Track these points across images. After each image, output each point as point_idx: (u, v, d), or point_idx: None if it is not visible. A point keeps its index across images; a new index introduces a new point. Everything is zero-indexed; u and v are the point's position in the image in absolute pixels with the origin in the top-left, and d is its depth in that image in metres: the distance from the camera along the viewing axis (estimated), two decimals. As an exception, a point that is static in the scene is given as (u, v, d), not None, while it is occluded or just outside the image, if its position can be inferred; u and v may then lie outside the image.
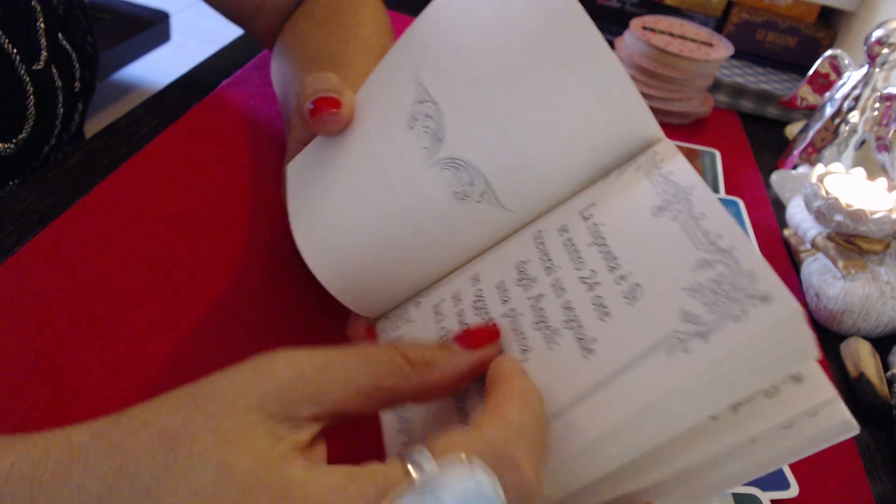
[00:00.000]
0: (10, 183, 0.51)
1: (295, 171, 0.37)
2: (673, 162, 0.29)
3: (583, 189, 0.32)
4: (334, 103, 0.35)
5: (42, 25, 0.49)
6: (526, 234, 0.32)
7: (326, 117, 0.35)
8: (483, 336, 0.28)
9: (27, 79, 0.48)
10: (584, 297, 0.27)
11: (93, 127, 0.59)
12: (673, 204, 0.27)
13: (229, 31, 0.66)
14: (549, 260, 0.30)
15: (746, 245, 0.24)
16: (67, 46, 0.52)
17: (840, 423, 0.24)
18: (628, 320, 0.26)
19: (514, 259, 0.31)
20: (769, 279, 0.23)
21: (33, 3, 0.49)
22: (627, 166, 0.31)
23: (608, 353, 0.25)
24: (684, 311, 0.24)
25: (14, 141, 0.48)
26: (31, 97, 0.49)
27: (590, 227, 0.29)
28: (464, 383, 0.28)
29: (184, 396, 0.24)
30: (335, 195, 0.34)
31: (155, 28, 1.92)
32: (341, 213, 0.34)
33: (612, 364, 0.25)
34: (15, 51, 0.47)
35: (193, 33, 2.23)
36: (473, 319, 0.31)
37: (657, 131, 0.31)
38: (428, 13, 0.34)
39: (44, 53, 0.49)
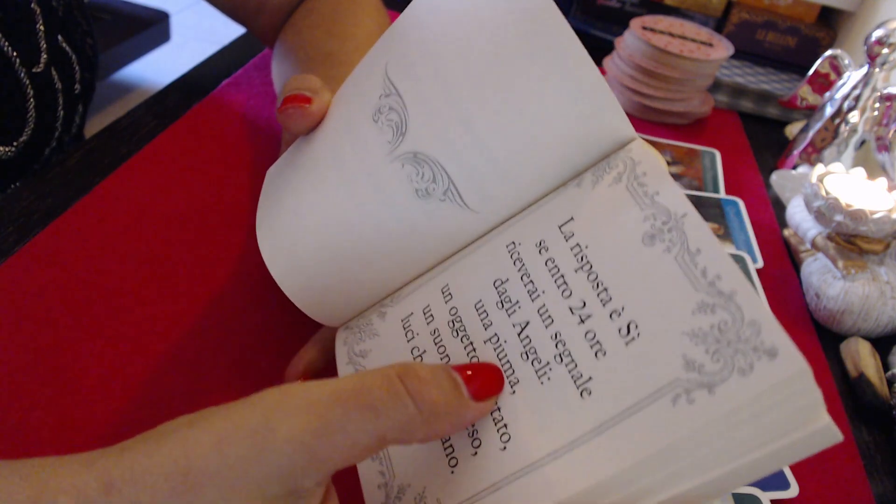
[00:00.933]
0: (12, 186, 0.51)
1: (270, 173, 0.37)
2: (657, 179, 0.28)
3: (552, 191, 0.31)
4: (303, 99, 0.34)
5: (42, 28, 0.49)
6: (497, 245, 0.31)
7: (291, 110, 0.34)
8: (493, 386, 0.27)
9: (27, 81, 0.48)
10: (575, 330, 0.27)
11: (93, 127, 0.59)
12: (664, 233, 0.26)
13: (229, 31, 0.66)
14: (531, 282, 0.29)
15: (747, 290, 0.24)
16: (67, 48, 0.52)
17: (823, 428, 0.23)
18: (626, 361, 0.25)
19: (489, 275, 0.30)
20: (774, 332, 0.23)
21: (33, 5, 0.49)
22: (602, 173, 0.30)
23: (607, 395, 0.25)
24: (686, 357, 0.24)
25: (14, 144, 0.48)
26: (31, 100, 0.49)
27: (573, 247, 0.28)
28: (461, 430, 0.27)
29: (176, 475, 0.22)
30: (296, 192, 0.33)
31: (155, 28, 1.92)
32: (300, 210, 0.33)
33: (613, 408, 0.24)
34: (14, 53, 0.47)
35: (193, 33, 2.23)
36: (452, 343, 0.30)
37: (629, 129, 0.30)
38: (404, 13, 0.34)
39: (43, 56, 0.49)
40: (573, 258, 0.28)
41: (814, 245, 0.56)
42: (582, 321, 0.27)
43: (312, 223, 0.32)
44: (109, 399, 0.37)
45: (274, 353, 0.42)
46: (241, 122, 0.60)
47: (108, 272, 0.44)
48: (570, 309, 0.27)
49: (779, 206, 0.67)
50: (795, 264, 0.60)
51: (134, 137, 0.55)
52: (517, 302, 0.29)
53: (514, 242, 0.30)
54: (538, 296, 0.28)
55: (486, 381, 0.27)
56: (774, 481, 0.40)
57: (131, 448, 0.23)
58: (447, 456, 0.27)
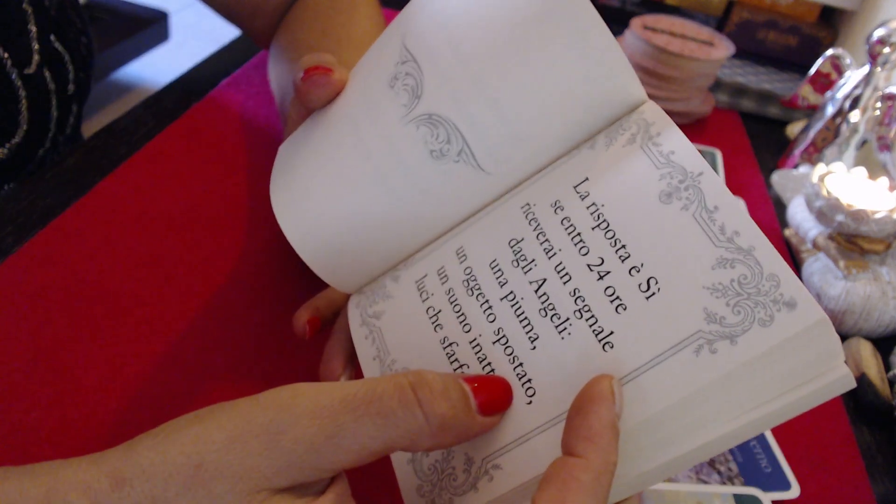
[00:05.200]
0: (5, 187, 0.50)
1: (283, 148, 0.37)
2: (671, 138, 0.28)
3: (566, 153, 0.31)
4: (325, 69, 0.34)
5: (33, 28, 0.49)
6: (511, 206, 0.31)
7: (316, 77, 0.34)
8: (501, 402, 0.27)
9: (19, 83, 0.48)
10: (594, 286, 0.27)
11: (91, 127, 0.59)
12: (681, 191, 0.27)
13: (228, 31, 0.66)
14: (547, 241, 0.29)
15: (766, 245, 0.24)
16: (60, 48, 0.52)
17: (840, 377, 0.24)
18: (647, 315, 0.25)
19: (504, 235, 0.30)
20: (793, 284, 0.23)
21: (24, 5, 0.48)
22: (616, 134, 0.30)
23: (629, 348, 0.25)
24: (708, 310, 0.24)
25: (7, 146, 0.48)
26: (24, 101, 0.48)
27: (588, 206, 0.29)
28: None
29: (188, 469, 0.23)
30: (311, 161, 0.34)
31: (154, 27, 1.92)
32: (316, 177, 0.33)
33: (636, 359, 0.25)
34: (6, 55, 0.47)
35: (192, 33, 2.22)
36: (467, 301, 0.30)
37: (641, 92, 0.30)
38: None
39: (35, 57, 0.49)
40: (589, 217, 0.28)
41: (815, 245, 0.56)
42: (601, 277, 0.27)
43: (327, 188, 0.33)
44: (109, 399, 0.37)
45: (274, 353, 0.42)
46: (239, 121, 0.60)
47: (107, 272, 0.44)
48: (588, 266, 0.27)
49: (780, 206, 0.67)
50: (797, 264, 0.60)
51: (133, 137, 0.55)
52: (533, 260, 0.29)
53: (528, 203, 0.31)
54: (554, 254, 0.29)
55: (493, 395, 0.26)
56: (776, 482, 0.40)
57: (139, 444, 0.23)
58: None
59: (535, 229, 0.30)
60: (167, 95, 0.61)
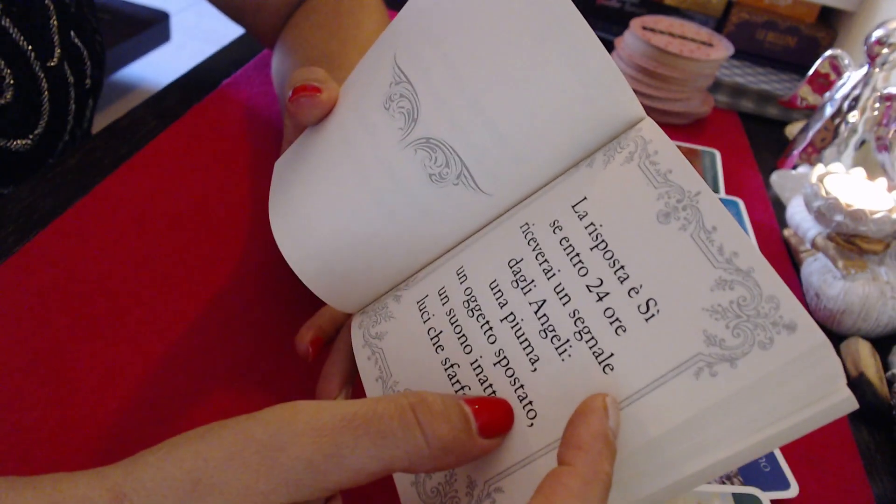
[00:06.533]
0: (28, 179, 0.51)
1: (279, 166, 0.37)
2: (668, 156, 0.28)
3: (564, 172, 0.31)
4: (313, 89, 0.34)
5: (55, 23, 0.50)
6: (511, 226, 0.31)
7: (304, 100, 0.34)
8: (501, 424, 0.27)
9: (42, 75, 0.49)
10: (593, 307, 0.27)
11: (93, 126, 0.59)
12: (679, 211, 0.27)
13: (229, 31, 0.66)
14: (546, 261, 0.29)
15: (764, 266, 0.24)
16: (79, 44, 0.53)
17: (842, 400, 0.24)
18: (647, 337, 0.25)
19: (504, 255, 0.30)
20: (792, 306, 0.23)
21: (46, 1, 0.49)
22: (614, 153, 0.30)
23: (629, 371, 0.25)
24: (707, 333, 0.24)
25: (31, 137, 0.49)
26: (46, 93, 0.49)
27: (587, 226, 0.29)
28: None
29: (186, 485, 0.23)
30: (309, 183, 0.34)
31: (155, 28, 1.92)
32: (315, 200, 0.33)
33: (636, 382, 0.25)
34: (30, 48, 0.47)
35: (194, 33, 2.23)
36: (468, 322, 0.30)
37: (638, 109, 0.30)
38: (409, 2, 0.34)
39: (57, 51, 0.50)
40: (588, 237, 0.28)
41: (814, 245, 0.56)
42: (600, 299, 0.27)
43: (326, 211, 0.33)
44: (109, 399, 0.37)
45: (274, 353, 0.42)
46: (240, 121, 0.60)
47: (108, 272, 0.44)
48: (588, 287, 0.27)
49: (779, 207, 0.67)
50: (795, 264, 0.60)
51: (134, 137, 0.55)
52: (532, 281, 0.29)
53: (527, 223, 0.30)
54: (553, 274, 0.28)
55: (494, 417, 0.26)
56: (775, 481, 0.40)
57: (141, 459, 0.23)
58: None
59: (534, 249, 0.30)
60: (168, 95, 0.61)
